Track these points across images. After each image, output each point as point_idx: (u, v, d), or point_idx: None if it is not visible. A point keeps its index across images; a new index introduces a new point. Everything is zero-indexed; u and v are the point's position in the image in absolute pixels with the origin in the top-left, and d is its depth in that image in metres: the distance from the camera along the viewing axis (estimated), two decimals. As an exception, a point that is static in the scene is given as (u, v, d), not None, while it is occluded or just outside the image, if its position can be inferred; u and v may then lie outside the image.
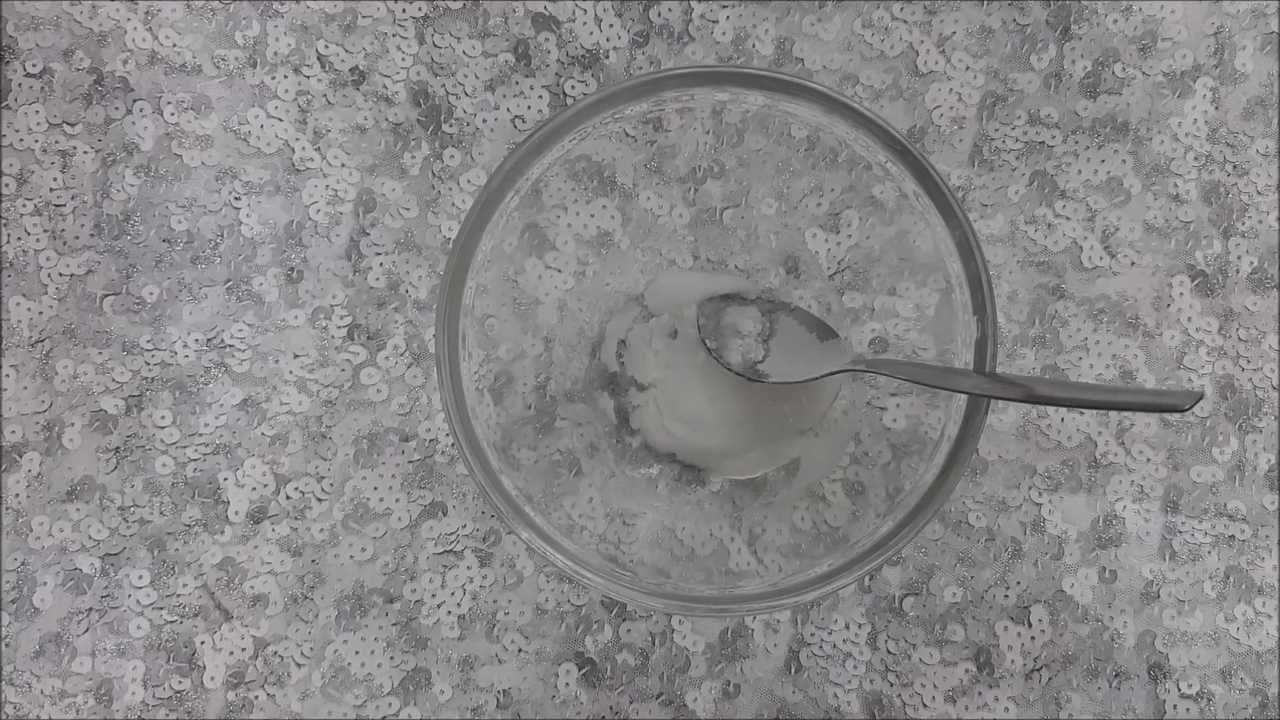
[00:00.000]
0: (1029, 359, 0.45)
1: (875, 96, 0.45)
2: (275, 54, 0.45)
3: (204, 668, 0.43)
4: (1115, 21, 0.46)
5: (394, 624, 0.43)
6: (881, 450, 0.42)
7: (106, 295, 0.44)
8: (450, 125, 0.45)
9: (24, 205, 0.44)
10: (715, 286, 0.43)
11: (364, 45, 0.45)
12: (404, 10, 0.46)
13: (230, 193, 0.45)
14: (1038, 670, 0.43)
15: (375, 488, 0.44)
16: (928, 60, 0.45)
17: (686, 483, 0.44)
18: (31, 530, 0.43)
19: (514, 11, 0.46)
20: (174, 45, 0.45)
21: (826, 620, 0.43)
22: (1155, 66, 0.46)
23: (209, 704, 0.43)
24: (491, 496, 0.36)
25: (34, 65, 0.45)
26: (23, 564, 0.43)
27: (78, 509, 0.43)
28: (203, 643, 0.43)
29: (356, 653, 0.43)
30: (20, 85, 0.45)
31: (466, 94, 0.45)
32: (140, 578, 0.43)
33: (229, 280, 0.44)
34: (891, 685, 0.43)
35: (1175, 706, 0.43)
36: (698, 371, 0.42)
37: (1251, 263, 0.45)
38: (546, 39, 0.46)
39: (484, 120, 0.45)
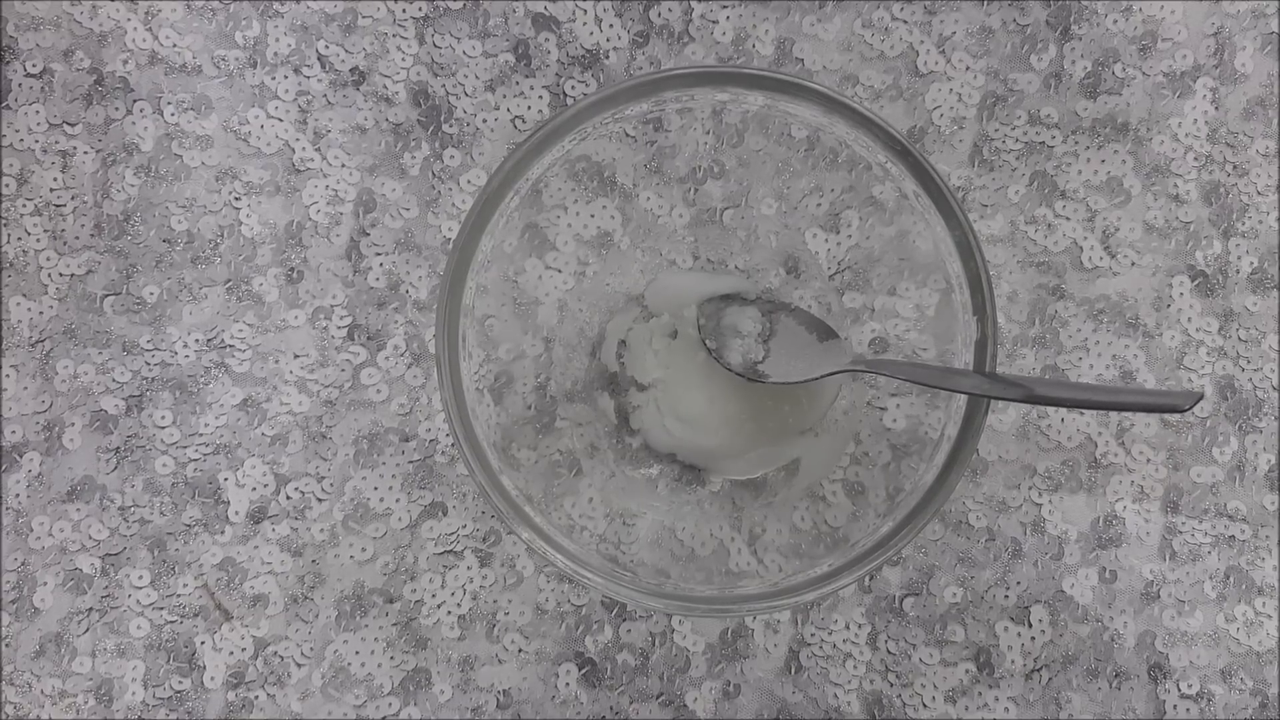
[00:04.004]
0: (1029, 359, 0.45)
1: (875, 97, 0.45)
2: (275, 54, 0.45)
3: (204, 668, 0.43)
4: (1115, 22, 0.46)
5: (394, 624, 0.43)
6: (881, 450, 0.42)
7: (106, 295, 0.44)
8: (450, 125, 0.45)
9: (24, 205, 0.44)
10: (715, 287, 0.43)
11: (364, 45, 0.45)
12: (404, 10, 0.46)
13: (230, 193, 0.45)
14: (1038, 670, 0.43)
15: (375, 488, 0.44)
16: (928, 60, 0.45)
17: (686, 483, 0.43)
18: (31, 530, 0.43)
19: (514, 11, 0.46)
20: (174, 45, 0.45)
21: (826, 620, 0.43)
22: (1155, 67, 0.46)
23: (209, 704, 0.43)
24: (491, 496, 0.36)
25: (34, 65, 0.45)
26: (23, 564, 0.43)
27: (78, 509, 0.43)
28: (203, 643, 0.43)
29: (356, 653, 0.43)
30: (20, 85, 0.45)
31: (466, 94, 0.45)
32: (140, 578, 0.43)
33: (229, 280, 0.44)
34: (891, 685, 0.43)
35: (1175, 707, 0.43)
36: (698, 372, 0.42)
37: (1251, 263, 0.45)
38: (546, 39, 0.46)
39: (484, 120, 0.45)
